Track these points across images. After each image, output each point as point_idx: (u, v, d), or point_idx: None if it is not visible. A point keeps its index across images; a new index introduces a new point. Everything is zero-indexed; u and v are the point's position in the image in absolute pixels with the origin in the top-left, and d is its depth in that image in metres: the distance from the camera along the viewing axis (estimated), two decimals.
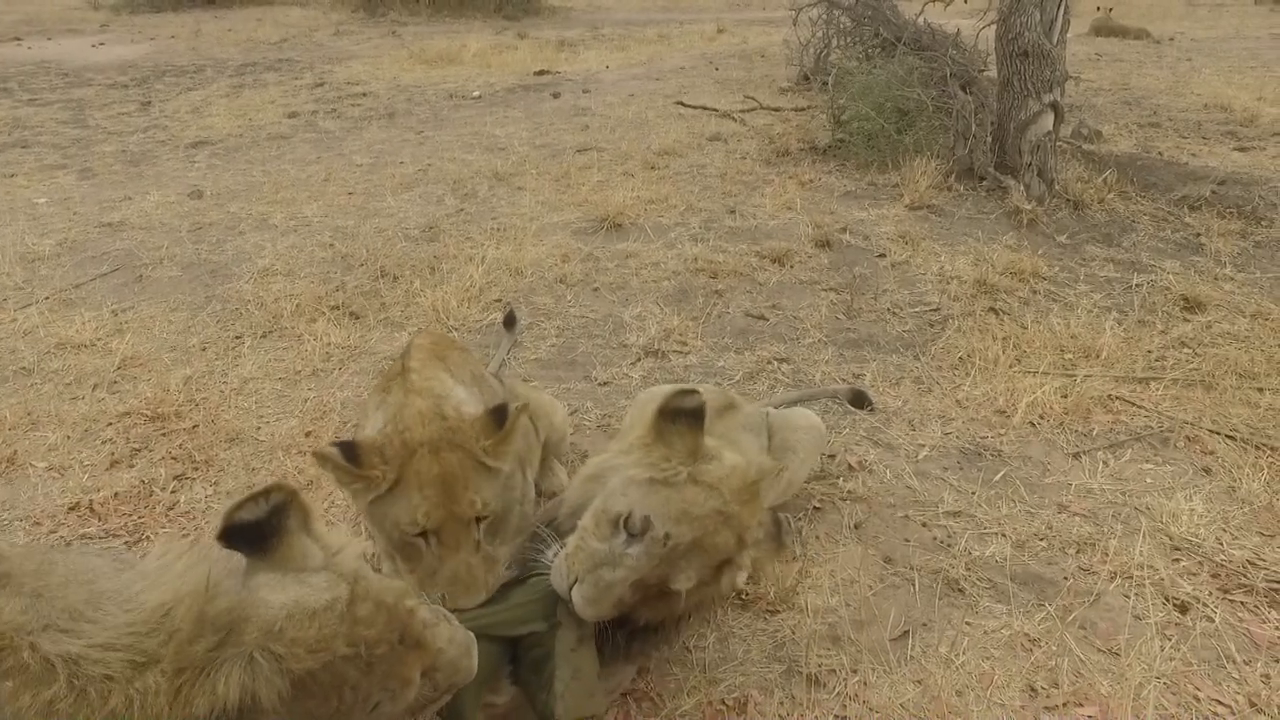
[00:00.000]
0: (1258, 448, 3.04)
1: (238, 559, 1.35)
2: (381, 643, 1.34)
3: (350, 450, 1.81)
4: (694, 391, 1.80)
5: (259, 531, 1.35)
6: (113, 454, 3.06)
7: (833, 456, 3.03)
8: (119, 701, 1.20)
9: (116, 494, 2.84)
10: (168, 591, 1.29)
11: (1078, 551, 2.58)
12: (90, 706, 1.19)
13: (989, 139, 5.83)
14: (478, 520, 1.87)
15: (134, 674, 1.22)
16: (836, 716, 2.05)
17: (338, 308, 4.15)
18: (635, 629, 1.88)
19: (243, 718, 1.24)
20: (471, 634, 1.54)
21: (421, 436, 1.87)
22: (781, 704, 2.08)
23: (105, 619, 1.27)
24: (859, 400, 3.33)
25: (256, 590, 1.31)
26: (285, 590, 1.31)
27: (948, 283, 4.41)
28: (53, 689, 1.19)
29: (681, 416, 1.77)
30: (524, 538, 2.05)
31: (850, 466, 2.99)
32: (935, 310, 4.15)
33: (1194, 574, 2.48)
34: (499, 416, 1.94)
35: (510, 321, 3.79)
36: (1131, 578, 2.46)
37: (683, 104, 8.38)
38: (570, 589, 1.71)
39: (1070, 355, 3.68)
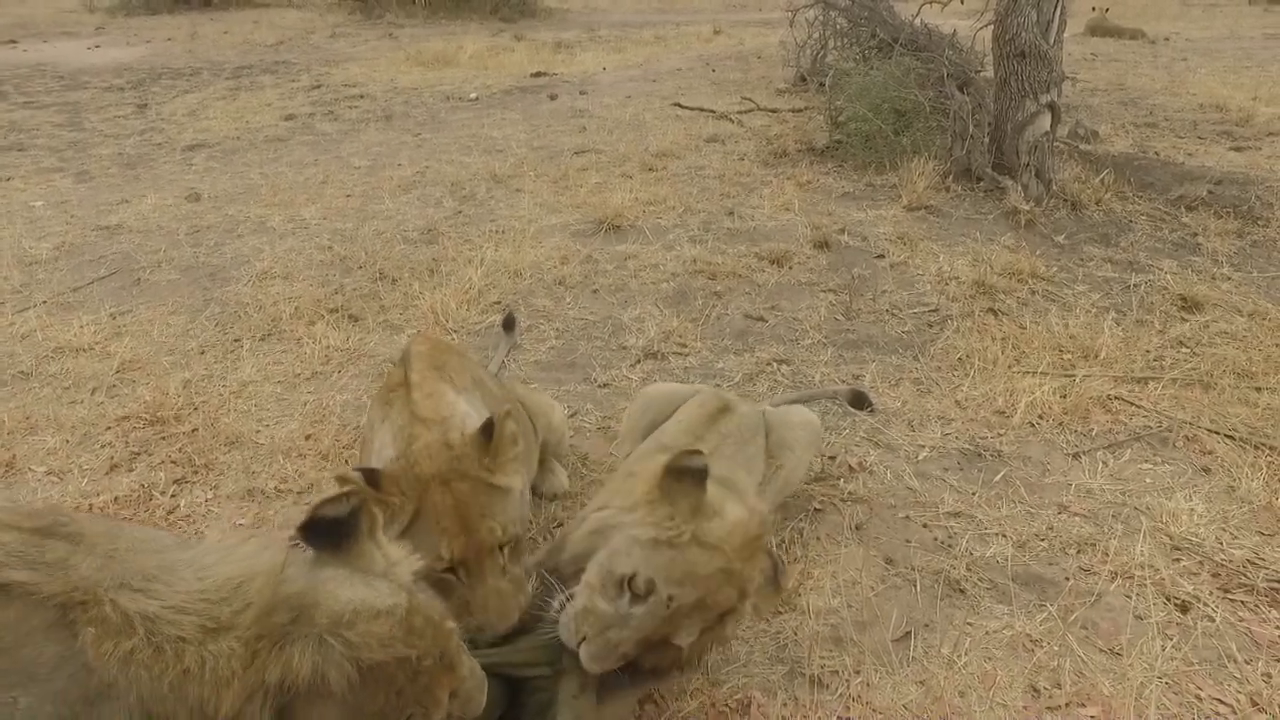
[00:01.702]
0: (1256, 447, 3.05)
1: (305, 551, 1.42)
2: (428, 656, 1.39)
3: (373, 476, 1.84)
4: (698, 452, 1.80)
5: (338, 529, 1.42)
6: (112, 458, 3.05)
7: (833, 458, 3.03)
8: (192, 661, 1.27)
9: (116, 498, 2.84)
10: (240, 567, 1.37)
11: (1078, 552, 2.58)
12: (165, 662, 1.27)
13: (986, 140, 5.85)
14: (501, 547, 1.90)
15: (205, 638, 1.29)
16: (839, 718, 2.05)
17: (336, 310, 4.14)
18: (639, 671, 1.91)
19: (308, 695, 1.29)
20: (483, 671, 1.57)
21: (431, 470, 1.89)
22: (784, 705, 2.08)
23: (178, 583, 1.35)
24: (859, 401, 3.33)
25: (325, 582, 1.38)
26: (353, 587, 1.38)
27: (946, 283, 4.42)
28: (133, 641, 1.27)
29: (687, 475, 1.77)
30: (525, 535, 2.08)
31: (851, 468, 2.99)
32: (934, 311, 4.16)
33: (1194, 574, 2.49)
34: (487, 432, 1.95)
35: (509, 324, 3.78)
36: (1132, 578, 2.47)
37: (680, 105, 8.38)
38: (578, 645, 1.75)
39: (1069, 355, 3.69)
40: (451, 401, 2.15)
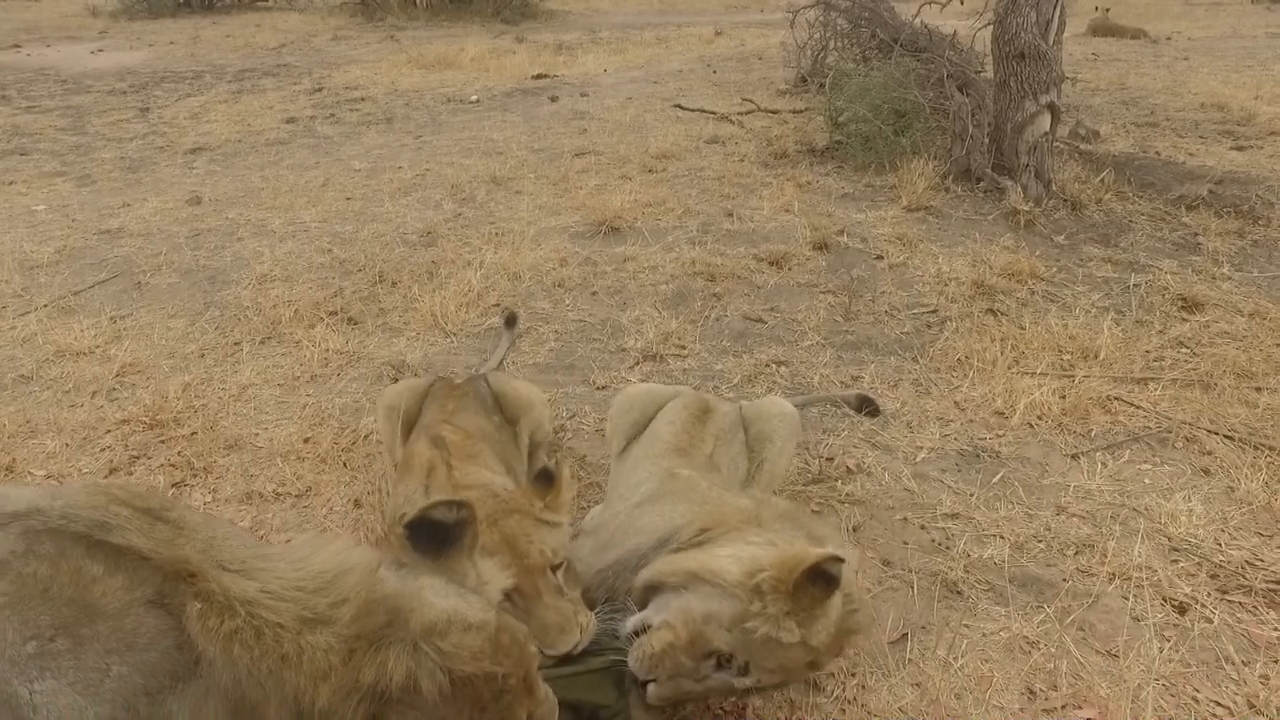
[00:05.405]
0: (1256, 448, 3.04)
1: (397, 557, 1.46)
2: (512, 675, 1.39)
3: None
4: (840, 559, 1.72)
5: (442, 534, 1.46)
6: (111, 461, 3.06)
7: (831, 459, 3.03)
8: (290, 648, 1.29)
9: None
10: (333, 560, 1.40)
11: (1076, 553, 2.58)
12: (265, 645, 1.29)
13: (986, 140, 5.83)
14: (553, 569, 1.94)
15: (303, 627, 1.31)
16: None
17: (336, 313, 4.15)
18: None
19: (400, 703, 1.30)
20: (555, 699, 1.57)
21: (480, 515, 1.93)
22: (780, 708, 2.07)
23: (274, 569, 1.38)
24: (864, 405, 3.26)
25: (421, 589, 1.39)
26: (446, 597, 1.40)
27: (945, 284, 4.41)
28: (236, 621, 1.30)
29: (821, 580, 1.71)
30: None
31: (848, 469, 2.99)
32: (933, 312, 4.15)
33: (1192, 575, 2.48)
34: (546, 478, 2.06)
35: (511, 321, 3.77)
36: (1130, 579, 2.46)
37: (680, 107, 8.39)
38: (646, 682, 1.78)
39: (1068, 356, 3.68)
40: (489, 480, 2.26)
